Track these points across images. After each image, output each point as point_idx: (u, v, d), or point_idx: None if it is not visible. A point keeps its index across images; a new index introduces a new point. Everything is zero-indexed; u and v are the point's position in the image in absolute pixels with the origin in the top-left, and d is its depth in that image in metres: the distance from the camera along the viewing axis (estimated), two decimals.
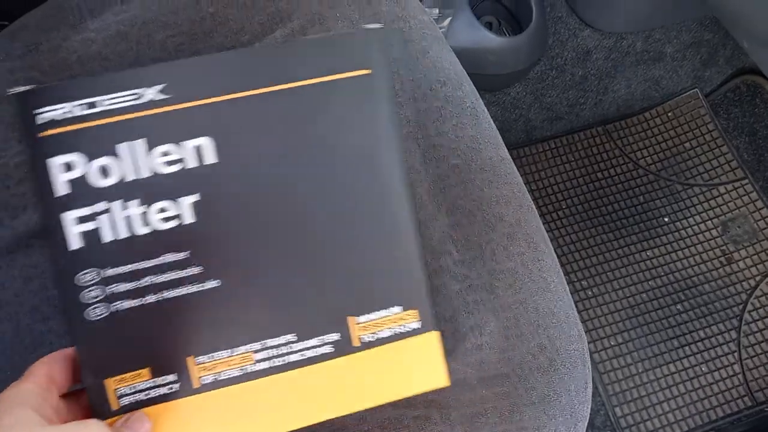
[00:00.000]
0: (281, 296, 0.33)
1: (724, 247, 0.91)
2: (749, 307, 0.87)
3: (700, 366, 0.84)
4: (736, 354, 0.84)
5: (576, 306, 0.89)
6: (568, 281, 0.92)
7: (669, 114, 1.00)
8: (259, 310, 0.33)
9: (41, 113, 0.30)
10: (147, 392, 0.32)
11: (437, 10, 0.76)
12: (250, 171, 0.33)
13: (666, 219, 0.93)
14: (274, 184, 0.33)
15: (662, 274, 0.89)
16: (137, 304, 0.32)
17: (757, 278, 0.88)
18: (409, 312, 0.34)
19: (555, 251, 0.93)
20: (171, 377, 0.32)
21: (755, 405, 0.81)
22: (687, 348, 0.85)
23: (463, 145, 0.49)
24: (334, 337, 0.34)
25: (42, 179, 0.30)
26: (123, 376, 0.32)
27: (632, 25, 0.89)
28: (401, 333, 0.34)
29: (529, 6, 0.83)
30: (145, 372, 0.32)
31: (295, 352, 0.33)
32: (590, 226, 0.93)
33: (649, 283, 0.89)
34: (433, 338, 0.35)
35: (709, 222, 0.93)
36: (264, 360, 0.33)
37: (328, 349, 0.34)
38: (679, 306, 0.87)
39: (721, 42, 0.98)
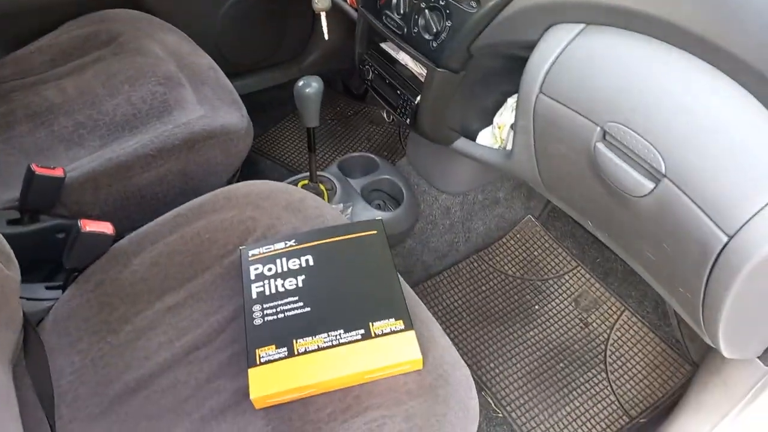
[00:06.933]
0: (338, 315, 0.72)
1: (580, 316, 1.27)
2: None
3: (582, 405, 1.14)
4: (607, 387, 1.16)
5: None
6: None
7: (517, 236, 1.41)
8: (327, 320, 0.72)
9: (251, 254, 0.80)
10: (272, 355, 0.70)
11: (342, 205, 1.15)
12: (324, 270, 0.78)
13: (536, 306, 1.29)
14: (333, 276, 0.77)
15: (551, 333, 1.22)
16: (273, 318, 0.73)
17: (607, 332, 1.23)
18: (398, 321, 0.72)
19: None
20: (284, 349, 0.70)
21: (630, 420, 1.11)
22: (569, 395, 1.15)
23: None
24: (362, 331, 0.71)
25: (246, 277, 0.78)
26: (264, 347, 0.70)
27: (466, 187, 1.33)
28: (394, 330, 0.71)
29: (401, 190, 1.24)
30: (273, 346, 0.70)
31: (342, 337, 0.71)
32: (493, 328, 1.27)
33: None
34: (411, 334, 0.71)
35: (566, 302, 1.29)
36: (327, 341, 0.70)
37: (359, 336, 0.71)
38: (561, 364, 1.19)
39: None
